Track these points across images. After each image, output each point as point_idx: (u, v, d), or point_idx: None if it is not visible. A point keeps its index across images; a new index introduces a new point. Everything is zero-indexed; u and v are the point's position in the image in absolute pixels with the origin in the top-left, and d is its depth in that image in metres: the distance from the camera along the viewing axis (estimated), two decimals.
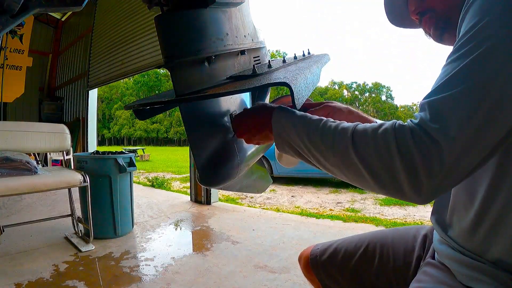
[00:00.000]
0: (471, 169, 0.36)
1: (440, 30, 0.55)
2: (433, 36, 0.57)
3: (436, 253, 0.58)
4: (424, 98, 0.39)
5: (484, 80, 0.35)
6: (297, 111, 0.51)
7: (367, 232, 0.78)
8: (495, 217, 0.43)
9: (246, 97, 0.84)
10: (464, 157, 0.35)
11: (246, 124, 0.58)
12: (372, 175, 0.39)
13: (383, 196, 4.41)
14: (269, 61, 0.78)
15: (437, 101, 0.37)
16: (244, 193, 4.61)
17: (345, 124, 0.44)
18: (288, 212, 3.39)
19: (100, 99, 51.04)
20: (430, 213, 0.64)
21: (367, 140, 0.39)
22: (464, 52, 0.37)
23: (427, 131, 0.36)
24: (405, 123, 0.39)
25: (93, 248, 2.02)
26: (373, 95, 60.09)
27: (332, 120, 0.47)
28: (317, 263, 0.75)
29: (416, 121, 0.38)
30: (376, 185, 0.40)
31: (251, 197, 4.60)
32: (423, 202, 0.38)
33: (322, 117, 0.48)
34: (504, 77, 0.35)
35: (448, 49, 0.44)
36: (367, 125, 0.41)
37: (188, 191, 3.95)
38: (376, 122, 0.43)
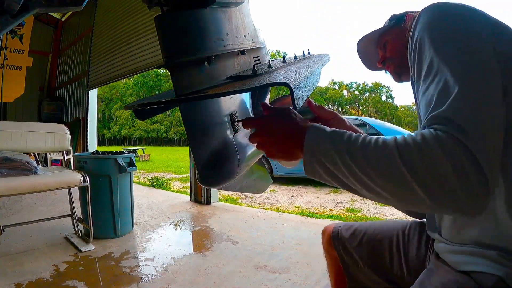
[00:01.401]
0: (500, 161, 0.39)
1: (398, 77, 0.76)
2: (393, 77, 0.77)
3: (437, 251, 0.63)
4: (430, 113, 0.41)
5: (471, 77, 0.41)
6: (328, 128, 0.47)
7: (388, 221, 0.85)
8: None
9: (246, 97, 0.84)
10: (495, 153, 0.38)
11: (272, 132, 0.51)
12: (424, 187, 0.37)
13: None
14: (269, 61, 0.78)
15: (446, 110, 0.40)
16: (244, 193, 4.61)
17: (381, 137, 0.42)
18: (288, 212, 3.39)
19: (100, 99, 51.01)
20: None
21: (412, 150, 0.38)
22: (439, 72, 0.44)
23: (460, 139, 0.37)
24: (438, 132, 0.38)
25: (93, 248, 2.02)
26: (373, 95, 60.07)
27: (365, 134, 0.45)
28: (338, 238, 0.82)
29: (444, 129, 0.38)
30: (429, 198, 0.37)
31: (251, 197, 4.60)
32: (480, 207, 0.37)
33: (359, 134, 0.45)
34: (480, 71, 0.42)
35: None
36: (402, 136, 0.41)
37: (188, 191, 3.94)
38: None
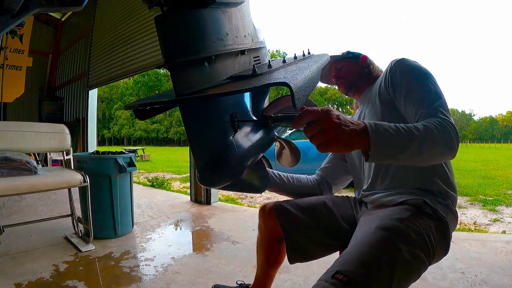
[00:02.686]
0: None
1: (347, 90, 1.13)
2: (342, 90, 1.14)
3: (368, 204, 0.96)
4: (428, 107, 0.75)
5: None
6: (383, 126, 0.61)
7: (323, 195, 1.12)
8: (391, 174, 0.90)
9: (246, 97, 0.84)
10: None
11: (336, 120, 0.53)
12: (445, 145, 0.66)
13: None
14: (269, 61, 0.78)
15: (438, 107, 0.75)
16: (244, 193, 4.61)
17: (413, 127, 0.64)
18: None
19: (100, 99, 50.96)
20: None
21: (434, 132, 0.66)
22: (428, 89, 0.80)
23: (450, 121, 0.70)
24: (444, 118, 0.70)
25: (93, 248, 2.02)
26: None
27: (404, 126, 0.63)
28: (282, 209, 0.97)
29: (443, 117, 0.70)
30: (445, 148, 0.65)
31: (251, 197, 4.60)
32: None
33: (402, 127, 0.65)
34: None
35: None
36: (430, 123, 0.67)
37: (188, 191, 3.95)
38: None
